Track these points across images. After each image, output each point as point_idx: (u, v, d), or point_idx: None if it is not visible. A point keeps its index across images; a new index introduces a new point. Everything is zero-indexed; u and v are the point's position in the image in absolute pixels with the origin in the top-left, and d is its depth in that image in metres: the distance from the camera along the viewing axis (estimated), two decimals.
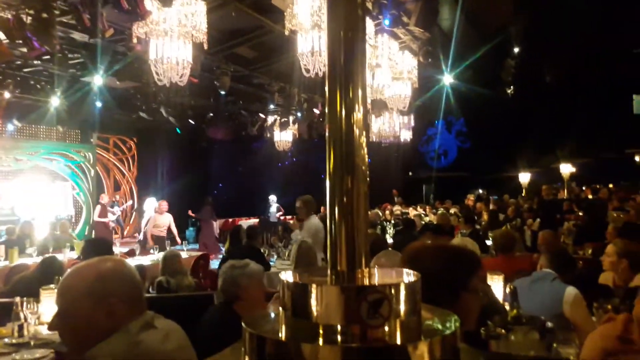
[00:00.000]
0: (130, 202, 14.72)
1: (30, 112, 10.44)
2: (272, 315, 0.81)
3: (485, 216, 10.71)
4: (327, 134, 0.78)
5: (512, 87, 11.82)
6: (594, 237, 6.82)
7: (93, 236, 12.01)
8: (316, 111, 10.38)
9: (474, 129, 22.23)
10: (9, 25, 5.13)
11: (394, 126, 10.13)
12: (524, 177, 18.03)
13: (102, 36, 5.52)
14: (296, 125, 11.22)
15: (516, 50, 10.17)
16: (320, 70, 4.72)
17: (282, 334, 0.72)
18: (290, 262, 5.60)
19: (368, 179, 0.78)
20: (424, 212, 12.81)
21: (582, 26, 10.33)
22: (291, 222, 10.47)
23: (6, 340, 3.06)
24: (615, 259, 3.88)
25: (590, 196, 14.85)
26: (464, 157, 22.91)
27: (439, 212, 11.02)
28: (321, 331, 0.69)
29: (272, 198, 15.14)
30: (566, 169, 17.31)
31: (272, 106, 10.82)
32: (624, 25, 10.49)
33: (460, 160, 23.06)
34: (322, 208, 9.73)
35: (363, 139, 0.77)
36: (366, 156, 0.78)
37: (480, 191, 21.62)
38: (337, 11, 0.78)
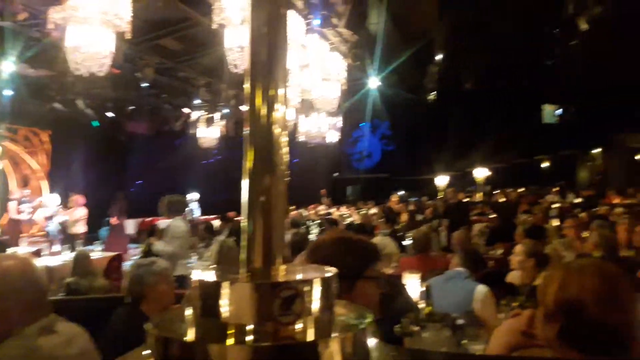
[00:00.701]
0: (41, 198, 13.71)
1: None
2: (180, 315, 0.78)
3: (404, 217, 11.10)
4: (245, 131, 0.77)
5: (434, 92, 12.38)
6: (504, 238, 7.24)
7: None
8: (243, 108, 10.24)
9: (397, 132, 22.98)
10: None
11: (321, 127, 10.22)
12: (441, 180, 18.91)
13: (15, 20, 5.11)
14: (223, 122, 11.02)
15: (438, 57, 10.63)
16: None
17: (189, 335, 0.70)
18: (210, 263, 5.48)
19: (287, 178, 0.79)
20: (347, 213, 13.05)
21: (498, 37, 11.01)
22: (215, 222, 10.26)
23: None
24: (522, 258, 4.11)
25: (501, 199, 15.85)
26: (387, 159, 23.62)
27: (361, 212, 11.29)
28: (231, 331, 0.68)
29: (192, 196, 14.72)
30: (480, 173, 18.36)
31: (197, 101, 10.56)
32: (535, 38, 11.29)
33: (383, 162, 23.74)
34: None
35: (283, 139, 0.78)
36: (286, 155, 0.78)
37: (401, 192, 22.41)
38: (260, 7, 0.78)
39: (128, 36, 4.54)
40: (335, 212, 12.84)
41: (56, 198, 10.48)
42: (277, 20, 0.78)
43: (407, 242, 7.40)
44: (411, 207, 12.97)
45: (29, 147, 14.06)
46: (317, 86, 6.47)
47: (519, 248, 4.26)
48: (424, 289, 2.92)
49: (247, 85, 0.77)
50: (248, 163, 0.76)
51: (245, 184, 0.77)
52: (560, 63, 12.24)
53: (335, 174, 23.88)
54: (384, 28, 7.91)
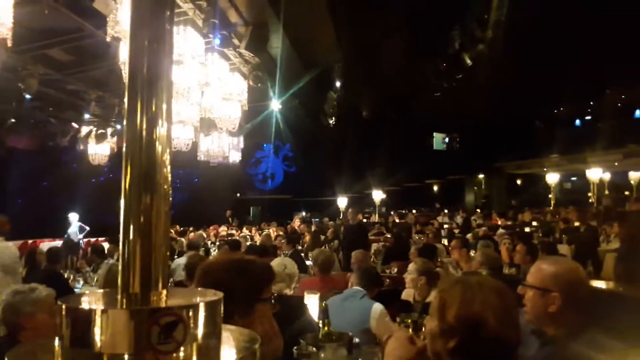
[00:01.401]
0: None
1: None
2: (47, 347, 0.71)
3: (307, 237, 11.19)
4: (124, 148, 0.73)
5: (333, 118, 12.76)
6: (400, 257, 7.56)
7: None
8: None
9: (299, 154, 23.30)
10: None
11: (223, 146, 10.05)
12: (342, 202, 19.42)
13: None
14: (114, 138, 10.42)
15: (338, 84, 11.01)
16: None
17: None
18: (97, 288, 5.12)
19: (170, 198, 0.75)
20: (249, 234, 12.89)
21: (391, 67, 11.70)
22: (105, 243, 9.60)
23: None
24: (415, 276, 4.28)
25: (397, 220, 16.62)
26: (289, 180, 23.81)
27: (264, 233, 11.21)
28: None
29: (73, 216, 13.68)
30: (377, 195, 19.14)
31: (87, 116, 9.92)
32: (425, 70, 12.12)
33: (286, 183, 23.90)
34: None
35: (166, 157, 0.74)
36: (169, 175, 0.75)
37: (304, 213, 22.64)
38: (142, 22, 0.75)
39: (9, 43, 4.17)
40: (237, 233, 12.61)
41: None
42: (161, 35, 0.75)
43: (309, 262, 7.45)
44: (313, 228, 13.12)
45: None
46: (218, 105, 6.38)
47: (411, 266, 4.43)
48: (321, 308, 2.93)
49: (126, 100, 0.73)
50: (126, 181, 0.72)
51: (122, 204, 0.72)
52: (447, 95, 13.25)
53: (238, 195, 23.58)
54: (284, 52, 8.05)
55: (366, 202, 20.72)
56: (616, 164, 18.78)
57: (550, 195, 19.19)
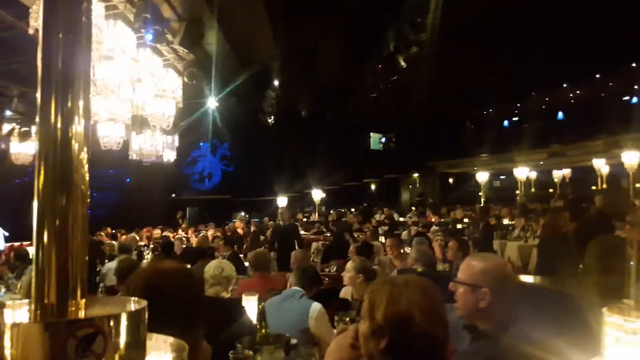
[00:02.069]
0: None
1: None
2: None
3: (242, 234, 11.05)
4: (36, 147, 0.68)
5: (272, 116, 12.71)
6: (339, 256, 7.63)
7: None
8: None
9: (237, 153, 22.98)
10: None
11: (156, 145, 9.73)
12: (282, 201, 19.38)
13: None
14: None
15: (276, 83, 10.98)
16: None
17: None
18: (20, 297, 4.82)
19: (88, 199, 0.71)
20: (185, 235, 12.56)
21: (328, 67, 11.81)
22: (30, 248, 9.01)
23: None
24: (353, 274, 4.32)
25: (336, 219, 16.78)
26: (227, 180, 23.40)
27: (200, 234, 10.96)
28: None
29: None
30: (316, 194, 19.26)
31: (8, 112, 9.29)
32: (364, 71, 12.34)
33: (224, 183, 23.47)
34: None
35: (83, 155, 0.69)
36: (87, 175, 0.70)
37: (243, 214, 22.37)
38: (54, 13, 0.70)
39: None
40: (172, 235, 12.24)
41: None
42: (77, 27, 0.70)
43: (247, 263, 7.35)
44: (253, 228, 12.99)
45: None
46: (150, 102, 6.16)
47: (349, 264, 4.47)
48: (258, 310, 2.90)
49: (38, 95, 0.67)
50: (39, 183, 0.67)
51: (35, 206, 0.67)
52: (382, 96, 13.55)
53: (173, 195, 22.91)
54: (220, 49, 7.90)
55: (306, 201, 20.79)
56: (541, 162, 19.97)
57: (480, 193, 20.09)
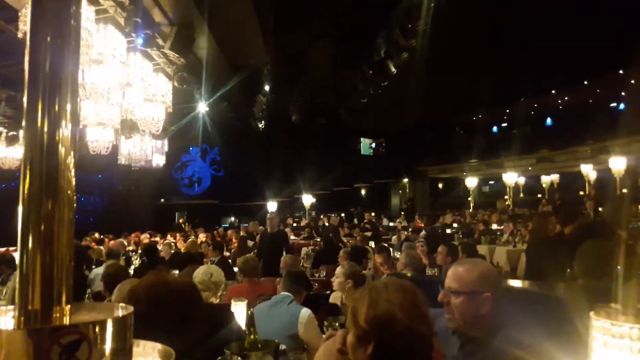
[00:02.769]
0: None
1: None
2: None
3: (235, 243, 11.01)
4: (23, 152, 0.67)
5: (262, 121, 12.69)
6: (329, 261, 7.61)
7: None
8: None
9: (227, 158, 22.90)
10: None
11: (146, 149, 9.66)
12: (272, 206, 19.35)
13: None
14: None
15: (267, 87, 10.97)
16: None
17: None
18: (5, 303, 4.76)
19: (75, 204, 0.70)
20: (174, 240, 12.47)
21: (319, 72, 11.84)
22: (16, 253, 8.87)
23: None
24: (342, 279, 4.31)
25: (326, 223, 16.77)
26: (217, 185, 23.31)
27: (189, 240, 10.91)
28: None
29: None
30: (306, 199, 19.26)
31: None
32: (352, 76, 12.38)
33: (213, 188, 23.37)
34: None
35: (70, 160, 0.69)
36: (73, 179, 0.69)
37: (232, 219, 22.29)
38: (42, 17, 0.69)
39: None
40: (161, 241, 12.15)
41: None
42: (64, 31, 0.70)
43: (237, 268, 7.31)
44: (242, 234, 12.94)
45: None
46: (140, 106, 6.13)
47: (339, 270, 4.46)
48: (247, 316, 2.88)
49: (25, 99, 0.67)
50: (25, 188, 0.66)
51: (20, 211, 0.66)
52: (372, 101, 13.60)
53: (162, 200, 22.77)
54: (211, 54, 7.88)
55: (296, 206, 20.76)
56: (530, 168, 20.13)
57: (469, 198, 20.20)
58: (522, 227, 10.35)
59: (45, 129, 0.67)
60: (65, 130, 0.68)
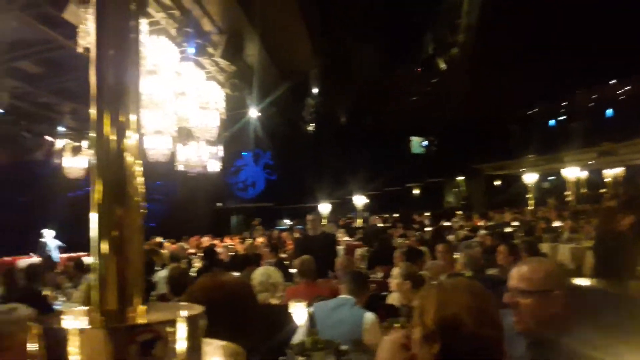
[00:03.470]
0: None
1: None
2: None
3: (290, 245, 11.13)
4: (93, 160, 0.71)
5: (312, 124, 12.79)
6: (384, 262, 7.56)
7: None
8: None
9: (279, 162, 23.23)
10: None
11: (201, 156, 9.95)
12: (324, 208, 19.43)
13: None
14: (91, 151, 10.24)
15: (315, 90, 11.05)
16: None
17: None
18: (78, 304, 5.02)
19: (143, 210, 0.73)
20: (232, 243, 12.78)
21: (367, 73, 11.79)
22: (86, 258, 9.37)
23: None
24: (400, 280, 4.27)
25: (380, 224, 16.65)
26: (271, 188, 23.69)
27: (246, 242, 11.13)
28: None
29: (48, 232, 13.39)
30: (358, 200, 19.19)
31: (61, 129, 9.75)
32: (400, 76, 12.26)
33: (267, 191, 23.77)
34: None
35: (137, 168, 0.72)
36: (141, 186, 0.73)
37: (286, 221, 22.54)
38: (106, 30, 0.73)
39: None
40: (219, 244, 12.48)
41: None
42: (126, 44, 0.73)
43: (293, 270, 7.37)
44: (297, 235, 13.08)
45: None
46: (195, 114, 6.32)
47: (396, 271, 4.43)
48: (307, 316, 2.91)
49: (92, 111, 0.71)
50: (96, 194, 0.70)
51: (93, 218, 0.70)
52: (422, 99, 13.40)
53: (218, 204, 23.37)
54: (261, 60, 8.02)
55: (349, 207, 20.73)
56: (591, 162, 19.17)
57: (528, 195, 19.46)
58: (584, 224, 9.87)
59: (112, 138, 0.70)
60: (130, 139, 0.72)
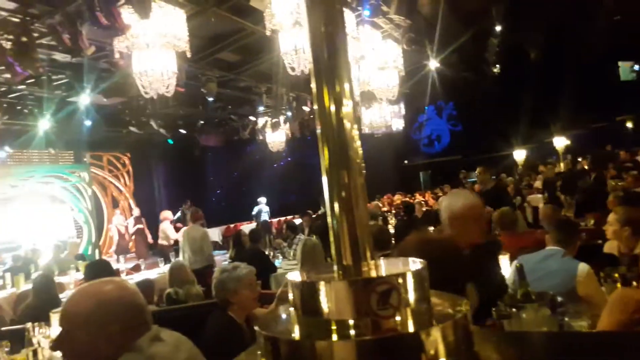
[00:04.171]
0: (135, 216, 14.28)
1: (20, 137, 10.35)
2: (284, 316, 0.81)
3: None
4: (318, 130, 0.77)
5: (497, 66, 11.87)
6: (595, 208, 6.82)
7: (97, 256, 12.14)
8: (305, 109, 10.38)
9: (464, 112, 22.25)
10: None
11: (385, 116, 10.11)
12: (519, 154, 18.06)
13: (84, 55, 5.49)
14: (287, 125, 11.20)
15: (498, 28, 10.18)
16: (305, 67, 4.70)
17: (296, 334, 0.72)
18: (296, 262, 5.61)
19: (364, 171, 0.78)
20: (424, 199, 12.83)
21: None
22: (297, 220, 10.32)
23: None
24: (618, 227, 3.83)
25: (586, 167, 14.89)
26: (457, 140, 22.92)
27: (439, 197, 11.03)
28: (333, 327, 0.69)
29: (262, 199, 15.09)
30: (560, 142, 17.36)
31: (261, 108, 10.80)
32: None
33: (453, 143, 23.07)
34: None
35: (355, 132, 0.77)
36: (359, 149, 0.78)
37: (477, 172, 21.62)
38: (316, 7, 0.78)
39: (188, 54, 4.74)
40: (411, 200, 12.64)
41: (168, 214, 10.73)
42: (334, 18, 0.78)
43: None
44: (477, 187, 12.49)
45: (114, 171, 15.06)
46: (375, 76, 6.40)
47: (612, 217, 3.97)
48: (515, 268, 2.80)
49: (313, 85, 0.77)
50: (325, 161, 0.77)
51: (324, 181, 0.77)
52: (629, 17, 11.29)
53: (405, 162, 23.52)
54: (435, 8, 7.67)
55: (547, 150, 18.94)
56: None
57: None
58: None
59: (333, 109, 0.76)
60: (347, 108, 0.77)
